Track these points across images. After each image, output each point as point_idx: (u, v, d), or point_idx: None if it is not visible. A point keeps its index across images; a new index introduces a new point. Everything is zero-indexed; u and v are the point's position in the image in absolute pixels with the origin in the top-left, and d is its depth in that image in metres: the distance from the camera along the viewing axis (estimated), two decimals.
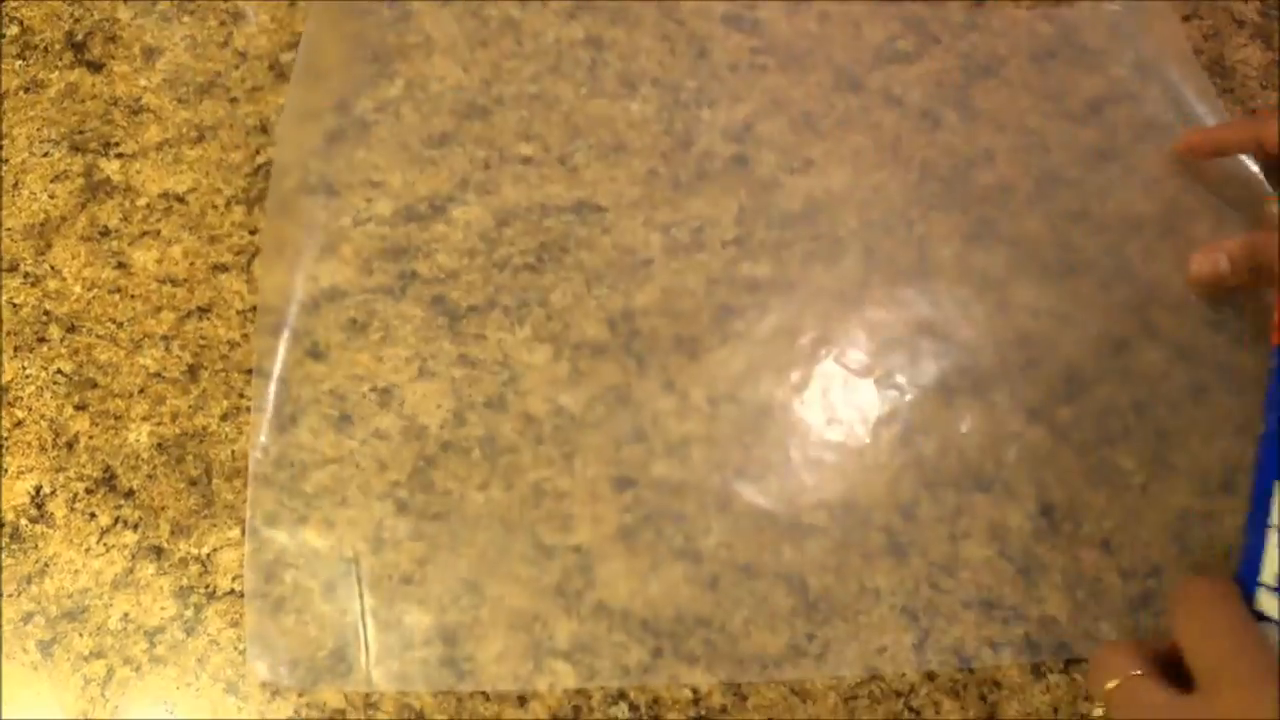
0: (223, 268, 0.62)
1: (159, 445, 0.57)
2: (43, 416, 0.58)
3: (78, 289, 0.61)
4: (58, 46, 0.69)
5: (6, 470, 0.56)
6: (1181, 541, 0.58)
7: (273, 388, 0.58)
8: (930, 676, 0.54)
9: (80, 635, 0.53)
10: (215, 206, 0.64)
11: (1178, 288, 0.65)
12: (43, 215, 0.63)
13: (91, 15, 0.72)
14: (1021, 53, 0.75)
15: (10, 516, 0.55)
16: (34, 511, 0.56)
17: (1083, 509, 0.58)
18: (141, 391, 0.59)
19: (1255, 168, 0.69)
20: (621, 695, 0.53)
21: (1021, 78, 0.74)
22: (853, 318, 0.63)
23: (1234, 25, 0.79)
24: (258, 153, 0.67)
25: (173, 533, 0.55)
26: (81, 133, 0.66)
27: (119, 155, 0.66)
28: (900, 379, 0.61)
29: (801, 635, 0.55)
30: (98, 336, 0.60)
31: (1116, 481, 0.59)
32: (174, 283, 0.62)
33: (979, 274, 0.65)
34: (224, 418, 0.58)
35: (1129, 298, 0.65)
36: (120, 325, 0.60)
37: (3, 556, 0.54)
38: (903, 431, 0.60)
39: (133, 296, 0.61)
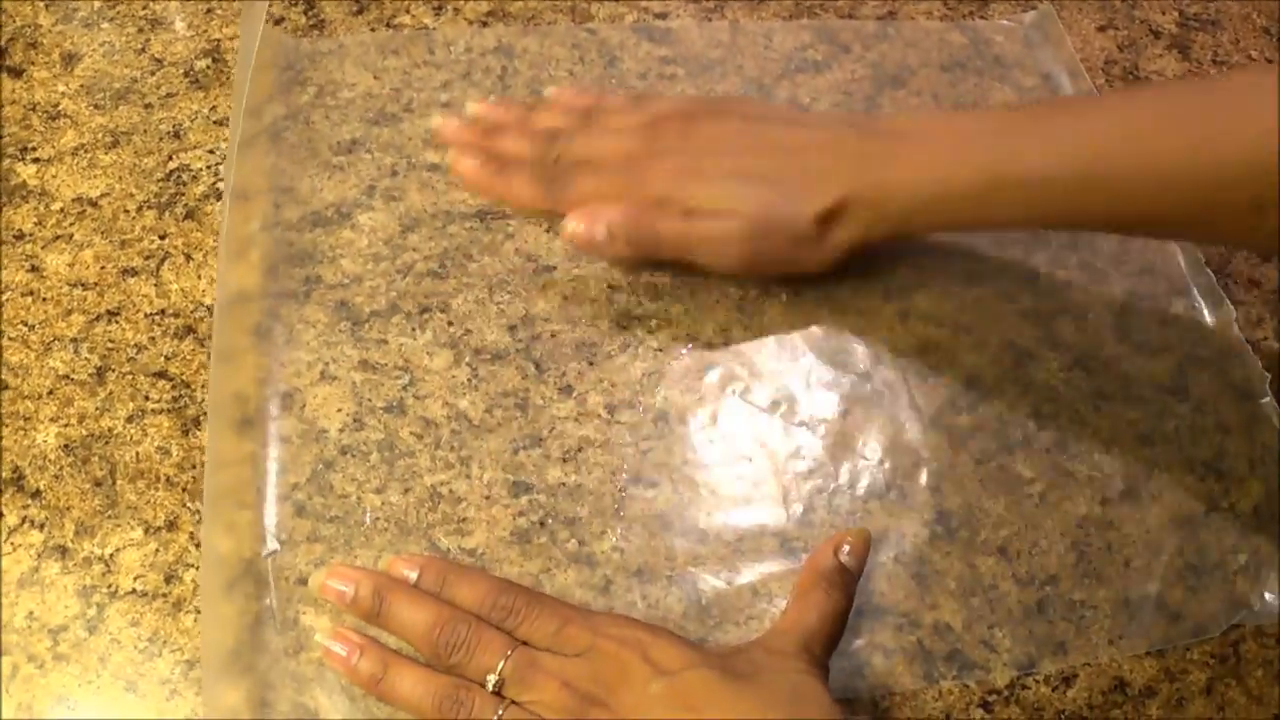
0: (132, 272, 0.64)
1: (66, 446, 0.58)
2: None
3: None
4: None
5: None
6: (1079, 550, 0.59)
7: (177, 391, 0.59)
8: None
9: None
10: (127, 211, 0.66)
11: (1081, 298, 0.67)
12: None
13: (14, 21, 0.73)
14: (932, 63, 0.76)
15: None
16: None
17: (980, 516, 0.59)
18: (50, 393, 0.60)
19: None
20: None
21: (931, 88, 0.75)
22: (753, 326, 0.64)
23: (1150, 35, 0.81)
24: (170, 158, 0.68)
25: (77, 533, 0.56)
26: None
27: (35, 160, 0.67)
28: (799, 386, 0.62)
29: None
30: (9, 339, 0.61)
31: (1015, 490, 0.60)
32: (84, 286, 0.63)
33: (881, 283, 0.66)
34: (129, 420, 0.59)
35: (1031, 307, 0.66)
36: (31, 328, 0.61)
37: None
38: (799, 437, 0.61)
39: (44, 299, 0.62)
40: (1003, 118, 0.62)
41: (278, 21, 0.74)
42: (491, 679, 0.49)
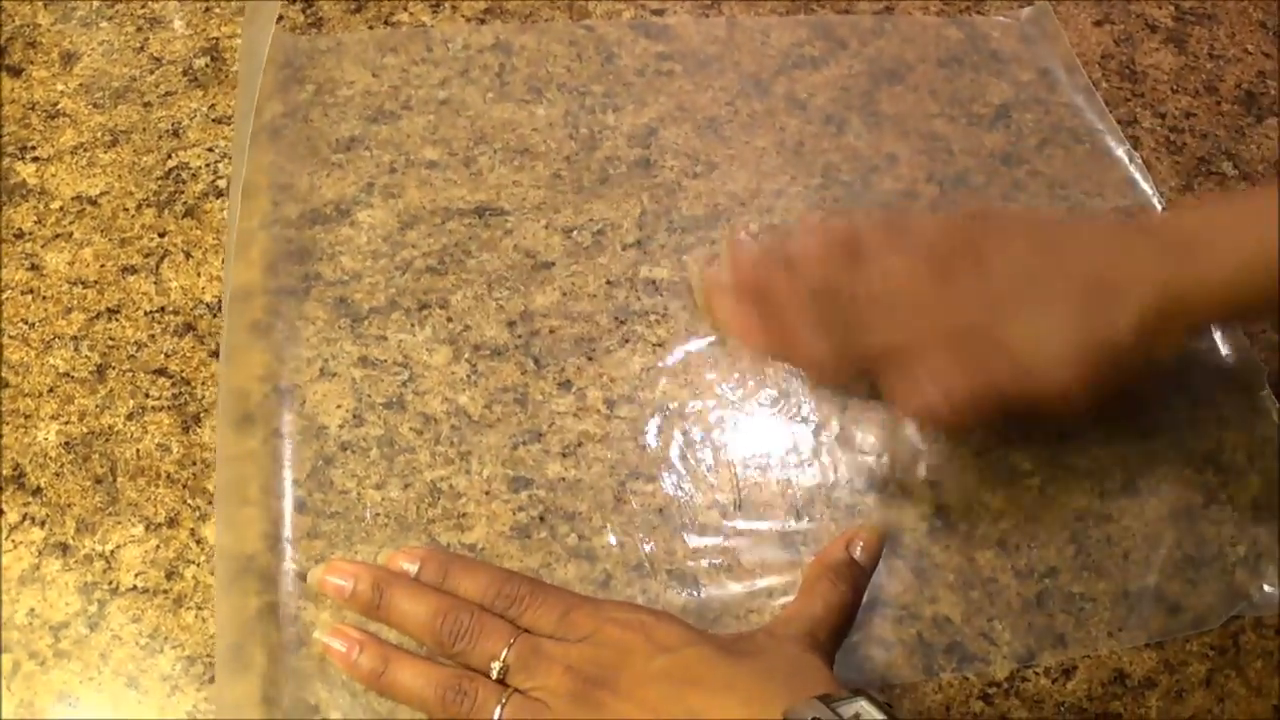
0: (132, 269, 0.64)
1: (66, 444, 0.58)
2: None
3: None
4: None
5: None
6: (1079, 542, 0.59)
7: (177, 388, 0.60)
8: None
9: None
10: (126, 209, 0.66)
11: None
12: None
13: (13, 21, 0.73)
14: (929, 59, 0.76)
15: None
16: None
17: (979, 510, 0.59)
18: (51, 391, 0.60)
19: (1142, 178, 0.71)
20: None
21: (928, 83, 0.75)
22: None
23: (1146, 30, 0.81)
24: (169, 157, 0.68)
25: (78, 530, 0.56)
26: None
27: (35, 159, 0.67)
28: (796, 380, 0.63)
29: None
30: (10, 337, 0.61)
31: (1014, 483, 0.60)
32: (84, 284, 0.63)
33: None
34: (130, 417, 0.59)
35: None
36: (32, 326, 0.62)
37: None
38: (798, 431, 0.61)
39: (44, 298, 0.62)
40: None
41: (276, 20, 0.74)
42: (496, 666, 0.50)
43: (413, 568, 0.53)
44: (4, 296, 0.62)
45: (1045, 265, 0.56)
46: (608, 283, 0.65)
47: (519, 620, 0.51)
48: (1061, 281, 0.55)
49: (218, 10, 0.74)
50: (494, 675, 0.50)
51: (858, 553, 0.54)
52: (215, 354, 0.61)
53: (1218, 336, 0.65)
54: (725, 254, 0.64)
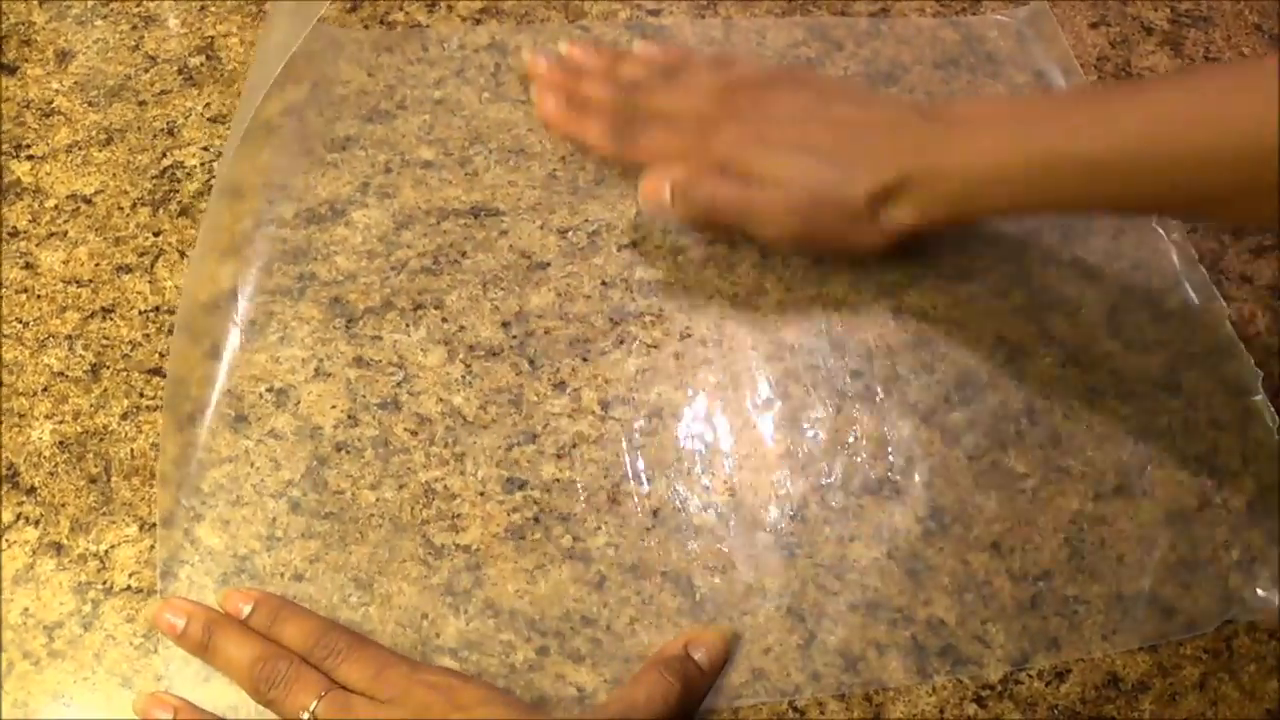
0: (127, 269, 0.64)
1: (60, 443, 0.58)
2: None
3: None
4: None
5: None
6: (1072, 545, 0.59)
7: (172, 388, 0.60)
8: (816, 677, 0.55)
9: None
10: (121, 208, 0.66)
11: (1074, 294, 0.67)
12: None
13: (8, 18, 0.73)
14: (925, 60, 0.76)
15: None
16: None
17: (973, 512, 0.59)
18: (45, 390, 0.60)
19: None
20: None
21: (924, 85, 0.75)
22: (746, 322, 0.64)
23: (1142, 32, 0.81)
24: (164, 155, 0.68)
25: (72, 529, 0.56)
26: None
27: (29, 157, 0.67)
28: (791, 382, 0.63)
29: None
30: (4, 336, 0.61)
31: (1008, 485, 0.60)
32: (79, 283, 0.63)
33: (874, 279, 0.66)
34: (124, 417, 0.59)
35: (1024, 303, 0.66)
36: (26, 325, 0.62)
37: None
38: (792, 433, 0.61)
39: (38, 297, 0.62)
40: (1058, 101, 0.64)
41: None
42: (305, 716, 0.50)
43: (246, 608, 0.54)
44: None
45: (817, 116, 0.63)
46: (603, 284, 0.64)
47: (334, 673, 0.51)
48: (821, 132, 0.62)
49: (213, 8, 0.74)
50: None
51: (695, 652, 0.54)
52: (208, 354, 0.60)
53: (1211, 339, 0.65)
54: (563, 51, 0.72)
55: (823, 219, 0.62)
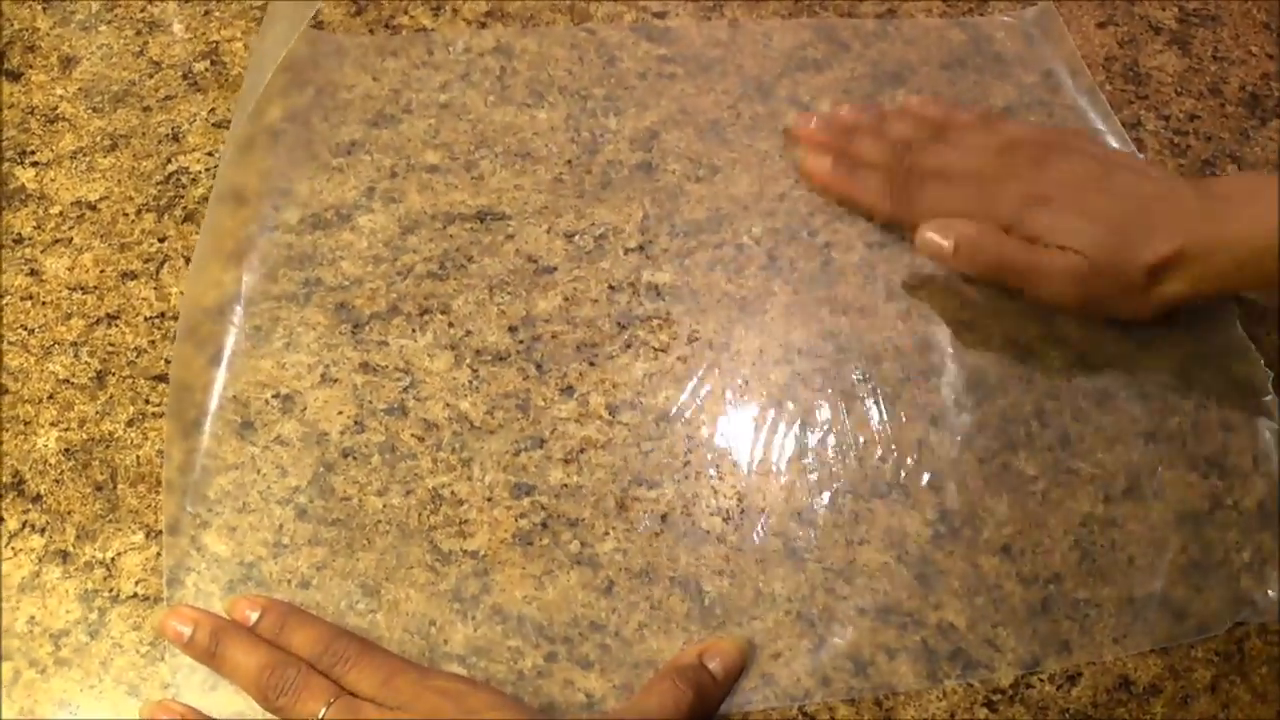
0: (132, 275, 0.63)
1: (66, 450, 0.58)
2: None
3: None
4: None
5: None
6: (1083, 548, 0.59)
7: (176, 394, 0.59)
8: (825, 682, 0.55)
9: None
10: (126, 214, 0.66)
11: None
12: None
13: (12, 25, 0.73)
14: (932, 61, 0.76)
15: None
16: None
17: (983, 515, 0.59)
18: (50, 397, 0.60)
19: None
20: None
21: (931, 85, 0.75)
22: (754, 325, 0.64)
23: (1150, 32, 0.80)
24: (169, 161, 0.68)
25: (78, 537, 0.56)
26: None
27: (34, 164, 0.67)
28: (800, 386, 0.62)
29: (696, 640, 0.55)
30: (9, 343, 0.61)
31: (1018, 488, 0.60)
32: (84, 290, 0.63)
33: (882, 281, 0.66)
34: (130, 424, 0.59)
35: (1034, 305, 0.65)
36: (31, 332, 0.61)
37: None
38: (801, 437, 0.61)
39: (44, 303, 0.62)
40: None
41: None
42: None
43: (253, 615, 0.54)
44: (3, 302, 0.62)
45: (1098, 183, 0.62)
46: (610, 287, 0.64)
47: (343, 679, 0.51)
48: (1104, 200, 0.61)
49: (217, 14, 0.74)
50: None
51: (713, 664, 0.54)
52: (213, 360, 0.60)
53: (1221, 341, 0.65)
54: (828, 112, 0.72)
55: (1100, 286, 0.61)
